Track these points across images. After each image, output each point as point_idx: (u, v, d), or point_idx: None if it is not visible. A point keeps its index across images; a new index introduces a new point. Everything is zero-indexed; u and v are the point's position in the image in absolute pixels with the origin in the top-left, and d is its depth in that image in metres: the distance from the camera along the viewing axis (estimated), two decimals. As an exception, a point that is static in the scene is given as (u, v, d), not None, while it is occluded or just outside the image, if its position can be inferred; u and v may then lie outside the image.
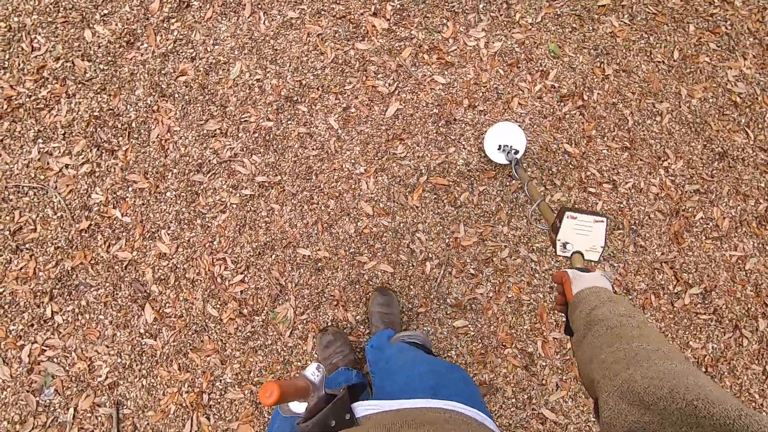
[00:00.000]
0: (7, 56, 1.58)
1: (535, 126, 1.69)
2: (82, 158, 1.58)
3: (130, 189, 1.58)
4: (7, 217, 1.55)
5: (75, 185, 1.57)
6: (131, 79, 1.62)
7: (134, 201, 1.58)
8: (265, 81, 1.66)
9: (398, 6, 1.72)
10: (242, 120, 1.64)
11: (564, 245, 0.84)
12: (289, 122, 1.65)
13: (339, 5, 1.70)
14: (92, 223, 1.56)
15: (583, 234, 0.85)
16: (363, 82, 1.68)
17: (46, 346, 1.51)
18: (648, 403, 0.41)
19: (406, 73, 1.70)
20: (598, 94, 1.71)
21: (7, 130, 1.56)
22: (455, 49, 1.72)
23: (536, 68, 1.71)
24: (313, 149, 1.65)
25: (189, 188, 1.60)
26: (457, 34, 1.72)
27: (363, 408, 0.62)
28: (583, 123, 1.70)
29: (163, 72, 1.64)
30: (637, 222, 1.67)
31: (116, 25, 1.63)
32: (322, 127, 1.66)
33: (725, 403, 0.36)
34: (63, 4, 1.62)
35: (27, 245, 1.54)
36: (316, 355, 1.54)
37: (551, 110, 1.70)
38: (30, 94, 1.58)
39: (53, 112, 1.58)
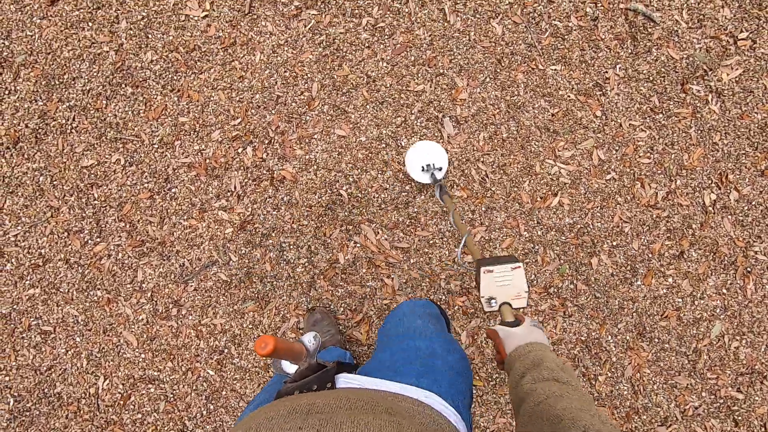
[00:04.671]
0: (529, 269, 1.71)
1: None
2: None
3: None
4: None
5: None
6: (618, 312, 1.71)
7: None
8: (740, 348, 1.70)
9: None
10: (709, 379, 1.69)
11: (489, 300, 0.82)
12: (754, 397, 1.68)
13: (832, 296, 1.71)
14: None
15: (505, 284, 0.83)
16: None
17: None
18: None
19: None
20: None
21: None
22: None
23: None
24: (773, 432, 1.67)
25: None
26: None
27: (344, 380, 0.66)
28: None
29: (648, 313, 1.71)
30: None
31: (620, 257, 1.72)
32: (782, 411, 1.68)
33: None
34: (579, 228, 1.72)
35: None
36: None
37: None
38: (531, 303, 1.70)
39: (551, 322, 1.70)
